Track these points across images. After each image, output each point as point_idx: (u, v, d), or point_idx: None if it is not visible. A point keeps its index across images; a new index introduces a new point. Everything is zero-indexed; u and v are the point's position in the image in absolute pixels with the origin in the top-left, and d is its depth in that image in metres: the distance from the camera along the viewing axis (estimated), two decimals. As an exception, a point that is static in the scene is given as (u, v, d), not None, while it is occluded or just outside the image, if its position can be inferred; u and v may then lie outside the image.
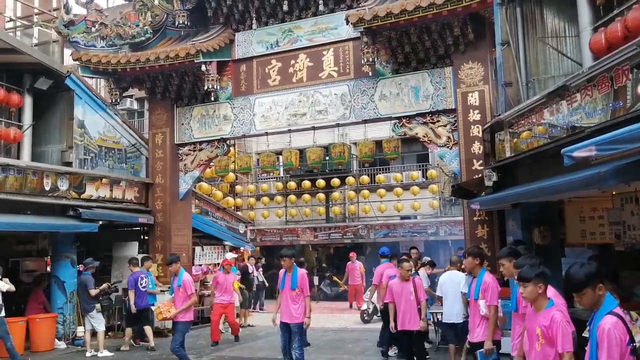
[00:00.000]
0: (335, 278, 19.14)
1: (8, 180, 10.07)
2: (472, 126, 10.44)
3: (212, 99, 12.82)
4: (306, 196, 21.31)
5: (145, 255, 12.47)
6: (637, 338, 4.09)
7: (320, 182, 20.82)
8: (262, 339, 11.89)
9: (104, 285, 10.92)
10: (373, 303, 13.07)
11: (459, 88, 10.64)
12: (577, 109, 5.97)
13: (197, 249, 14.92)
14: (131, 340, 11.06)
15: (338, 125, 12.32)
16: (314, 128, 12.18)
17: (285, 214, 22.44)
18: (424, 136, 11.09)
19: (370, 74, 11.36)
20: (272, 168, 13.58)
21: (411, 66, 11.26)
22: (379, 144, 12.21)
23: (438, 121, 10.98)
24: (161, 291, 11.69)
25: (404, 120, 11.24)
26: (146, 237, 13.58)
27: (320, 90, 11.97)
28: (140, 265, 11.25)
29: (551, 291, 4.19)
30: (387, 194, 20.33)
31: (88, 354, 10.28)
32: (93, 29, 12.68)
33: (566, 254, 8.42)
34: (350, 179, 21.00)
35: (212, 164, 14.12)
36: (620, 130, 4.13)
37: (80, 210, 11.27)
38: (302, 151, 13.06)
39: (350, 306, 16.97)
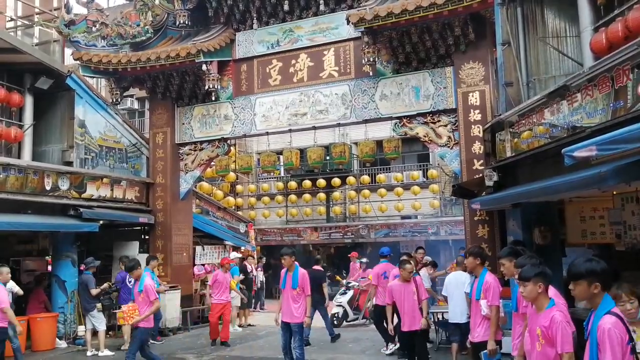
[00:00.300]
0: (337, 277, 19.13)
1: (9, 180, 10.08)
2: (473, 126, 10.44)
3: (213, 98, 12.82)
4: (307, 196, 21.31)
5: (151, 255, 12.46)
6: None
7: (321, 182, 20.82)
8: (262, 339, 11.89)
9: (105, 285, 10.95)
10: (343, 307, 13.00)
11: (460, 88, 10.64)
12: (577, 108, 5.97)
13: (198, 248, 14.93)
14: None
15: (339, 125, 12.33)
16: (314, 128, 12.18)
17: (286, 213, 22.44)
18: (425, 136, 11.10)
19: (371, 73, 11.35)
20: (272, 168, 13.59)
21: (412, 66, 11.26)
22: (379, 143, 12.22)
23: (439, 121, 10.98)
24: (165, 290, 11.78)
25: (404, 120, 11.24)
26: (147, 237, 13.58)
27: (321, 90, 11.98)
28: (146, 264, 11.27)
29: (551, 291, 4.18)
30: (387, 194, 20.34)
31: (89, 354, 10.29)
32: (94, 29, 12.69)
33: (567, 254, 8.42)
34: (351, 179, 21.01)
35: (212, 163, 14.13)
36: (620, 130, 4.13)
37: (81, 209, 11.28)
38: (302, 151, 13.06)
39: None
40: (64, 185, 11.25)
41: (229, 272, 11.98)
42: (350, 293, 13.30)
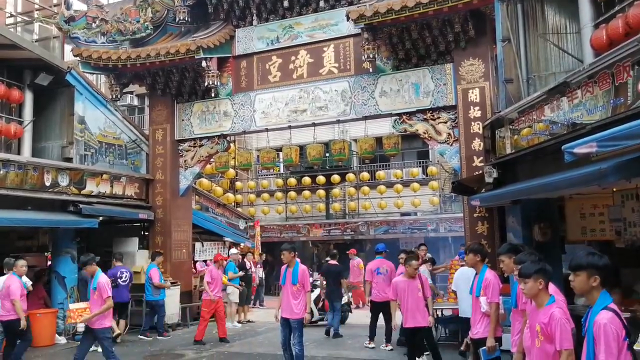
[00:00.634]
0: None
1: (9, 176, 10.08)
2: (473, 123, 10.43)
3: (213, 95, 12.80)
4: (306, 192, 21.31)
5: (157, 250, 12.51)
6: None
7: (321, 179, 20.84)
8: (262, 335, 11.90)
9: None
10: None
11: (460, 84, 10.63)
12: (577, 105, 5.97)
13: (197, 244, 14.94)
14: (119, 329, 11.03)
15: (338, 121, 12.32)
16: (314, 124, 12.17)
17: (286, 210, 22.45)
18: (424, 133, 11.09)
19: (370, 70, 11.32)
20: (272, 164, 13.59)
21: (412, 62, 11.24)
22: (379, 140, 12.22)
23: (438, 118, 10.97)
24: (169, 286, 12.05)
25: (404, 117, 11.24)
26: (146, 233, 13.58)
27: (321, 86, 11.96)
28: (152, 260, 11.79)
29: (551, 288, 4.19)
30: (387, 191, 20.35)
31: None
32: (93, 25, 12.67)
33: (566, 251, 8.42)
34: (351, 176, 21.02)
35: (212, 160, 14.12)
36: (621, 127, 4.14)
37: (81, 205, 11.28)
38: (302, 147, 13.04)
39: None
40: (63, 181, 11.25)
41: (223, 268, 12.04)
42: (316, 292, 12.48)
